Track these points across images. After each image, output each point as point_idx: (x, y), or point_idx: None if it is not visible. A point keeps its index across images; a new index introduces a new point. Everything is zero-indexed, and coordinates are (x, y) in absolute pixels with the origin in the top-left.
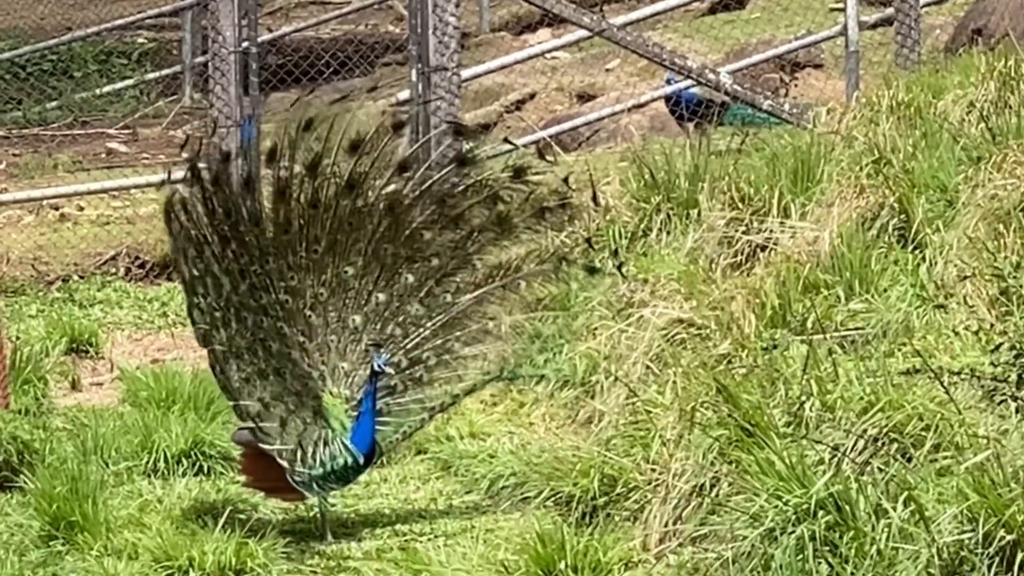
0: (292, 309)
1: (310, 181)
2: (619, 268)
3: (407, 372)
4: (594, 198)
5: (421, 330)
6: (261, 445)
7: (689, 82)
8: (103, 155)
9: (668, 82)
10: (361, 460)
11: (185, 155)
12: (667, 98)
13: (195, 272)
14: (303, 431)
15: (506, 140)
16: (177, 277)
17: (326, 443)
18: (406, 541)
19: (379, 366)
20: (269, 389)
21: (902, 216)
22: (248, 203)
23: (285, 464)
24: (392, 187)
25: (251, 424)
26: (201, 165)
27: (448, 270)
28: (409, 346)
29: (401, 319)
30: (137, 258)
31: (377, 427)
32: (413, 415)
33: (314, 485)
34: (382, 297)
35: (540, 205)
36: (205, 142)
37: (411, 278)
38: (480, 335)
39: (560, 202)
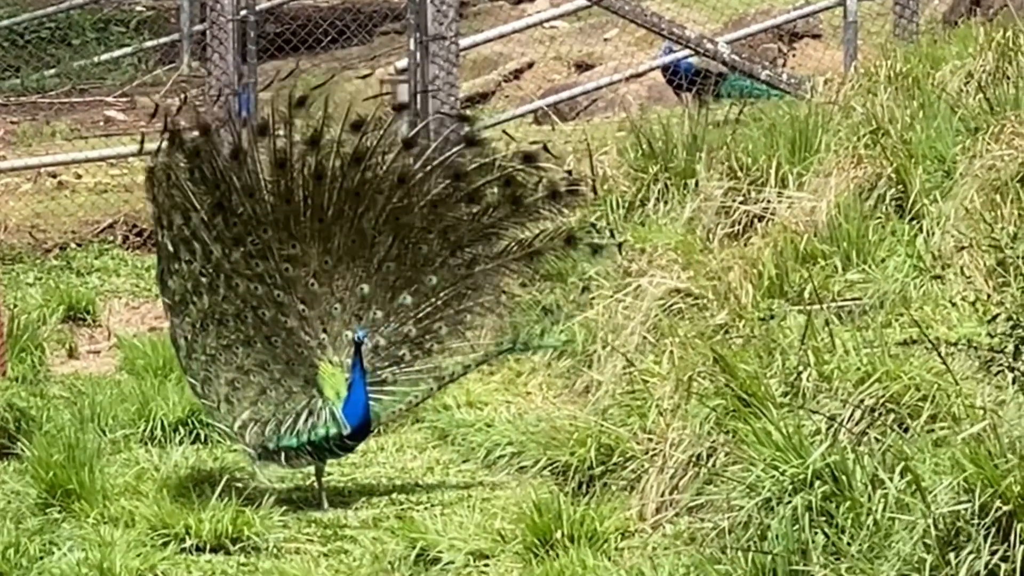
0: (292, 277)
1: (312, 154)
2: (619, 247)
3: (417, 342)
4: (593, 187)
5: (434, 300)
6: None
7: (687, 52)
8: (101, 123)
9: (666, 52)
10: (347, 431)
11: (159, 124)
12: (664, 68)
13: (181, 235)
14: (285, 400)
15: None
16: (155, 241)
17: (311, 412)
18: (403, 510)
19: (358, 337)
20: (254, 357)
21: (899, 187)
22: (242, 172)
23: (234, 436)
24: (400, 162)
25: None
26: (189, 134)
27: (464, 243)
28: (420, 316)
29: (413, 289)
30: (134, 226)
31: (381, 397)
32: (421, 385)
33: (283, 456)
34: (393, 267)
35: (553, 188)
36: (195, 110)
37: (425, 249)
38: (492, 307)
39: (571, 186)
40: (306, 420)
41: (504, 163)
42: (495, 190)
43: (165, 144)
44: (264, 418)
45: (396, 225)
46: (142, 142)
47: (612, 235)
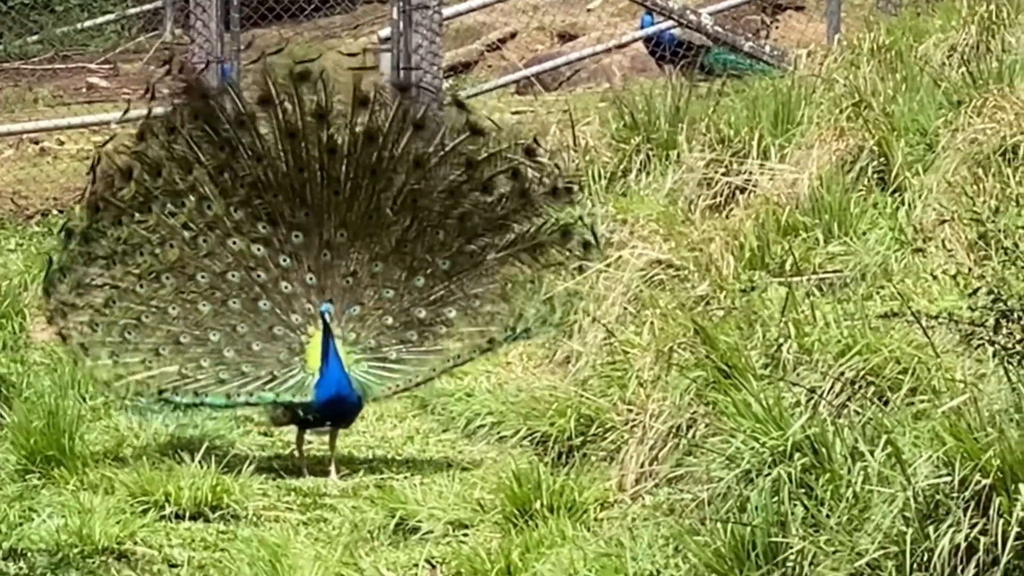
0: (301, 244)
1: (323, 127)
2: (594, 238)
3: (427, 325)
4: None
5: (447, 284)
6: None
7: (669, 23)
8: (84, 90)
9: (646, 23)
10: (312, 402)
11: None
12: (647, 39)
13: (169, 188)
14: (255, 360)
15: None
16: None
17: (284, 377)
18: (382, 479)
19: (322, 311)
20: (225, 316)
21: (882, 159)
22: (249, 136)
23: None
24: (415, 145)
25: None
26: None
27: (478, 231)
28: (431, 299)
29: (428, 272)
30: None
31: (383, 373)
32: (426, 366)
33: (268, 410)
34: (408, 248)
35: (554, 184)
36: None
37: (441, 234)
38: (500, 295)
39: (568, 183)
40: (277, 382)
41: (511, 155)
42: (505, 181)
43: (179, 96)
44: (208, 373)
45: (414, 208)
46: (128, 109)
47: (595, 236)
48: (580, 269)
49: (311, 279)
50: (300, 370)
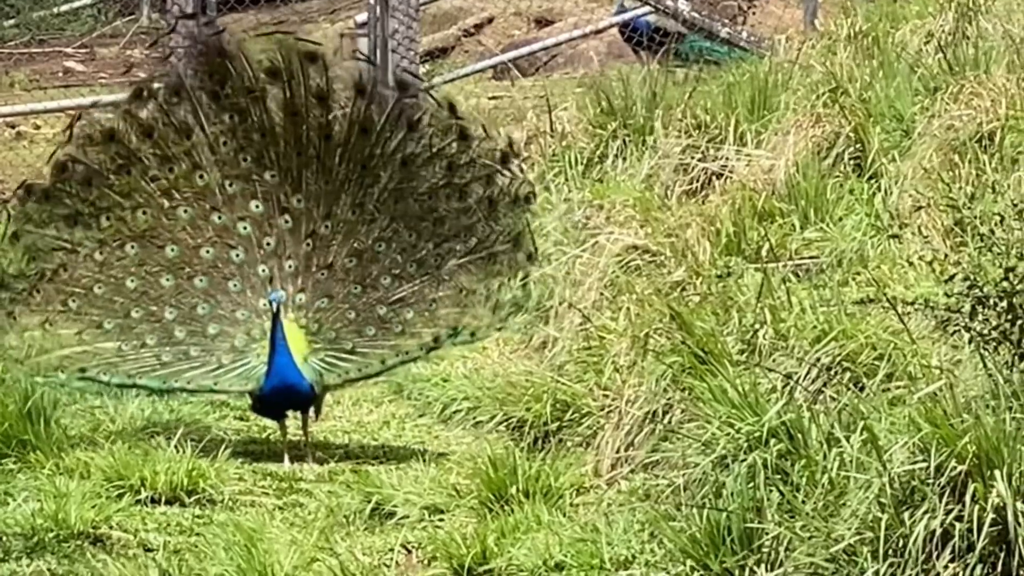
0: (286, 230)
1: (323, 111)
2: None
3: (386, 322)
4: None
5: (410, 286)
6: None
7: (645, 9)
8: (60, 74)
9: (620, 8)
10: (258, 390)
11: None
12: (624, 25)
13: (160, 152)
14: (208, 341)
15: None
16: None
17: (233, 363)
18: (358, 463)
19: (271, 300)
20: (188, 291)
21: (858, 145)
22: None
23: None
24: (407, 144)
25: None
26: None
27: (448, 236)
28: (394, 299)
29: (397, 273)
30: None
31: (338, 363)
32: (377, 359)
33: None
34: (383, 248)
35: (516, 195)
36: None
37: (414, 236)
38: (458, 300)
39: (529, 191)
40: (224, 369)
41: (488, 161)
42: (479, 189)
43: (194, 59)
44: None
45: (395, 207)
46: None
47: (535, 247)
48: (524, 281)
49: (291, 266)
50: (254, 357)
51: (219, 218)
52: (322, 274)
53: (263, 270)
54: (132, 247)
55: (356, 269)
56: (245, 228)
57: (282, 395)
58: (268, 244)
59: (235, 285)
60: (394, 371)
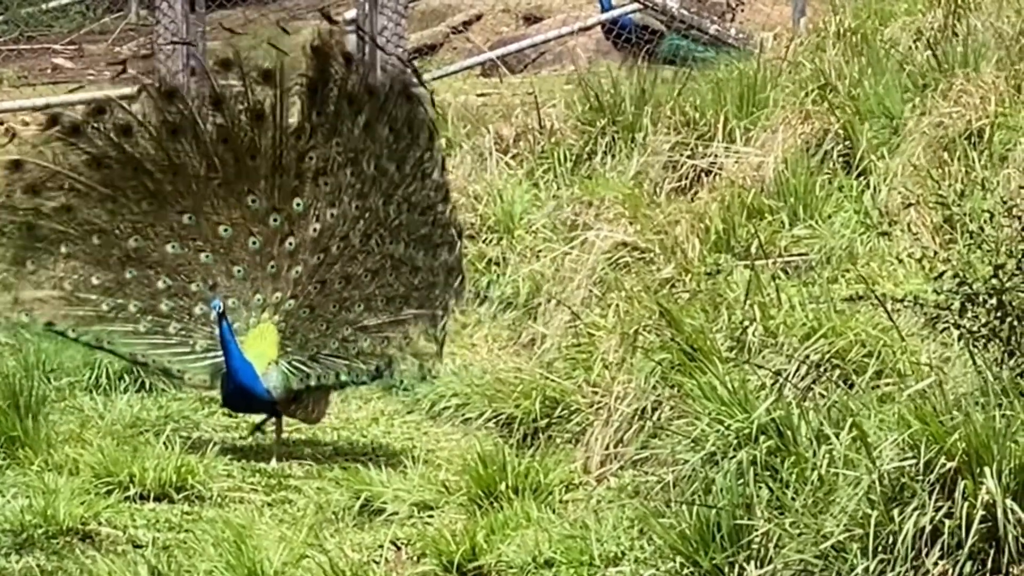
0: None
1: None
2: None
3: (344, 343)
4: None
5: (376, 318)
6: None
7: (631, 6)
8: (48, 71)
9: (606, 6)
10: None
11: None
12: (612, 22)
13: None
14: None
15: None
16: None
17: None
18: (347, 460)
19: (213, 307)
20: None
21: (847, 143)
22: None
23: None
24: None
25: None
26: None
27: (416, 285)
28: (359, 325)
29: (369, 304)
30: None
31: (303, 367)
32: (333, 373)
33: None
34: (367, 278)
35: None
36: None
37: (393, 276)
38: (400, 345)
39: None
40: (197, 356)
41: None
42: (446, 253)
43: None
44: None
45: (389, 247)
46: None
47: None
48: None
49: (273, 267)
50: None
51: (209, 216)
52: (315, 287)
53: (238, 271)
54: (148, 204)
55: (343, 291)
56: (226, 231)
57: (239, 397)
58: (252, 243)
59: (239, 271)
60: (345, 388)
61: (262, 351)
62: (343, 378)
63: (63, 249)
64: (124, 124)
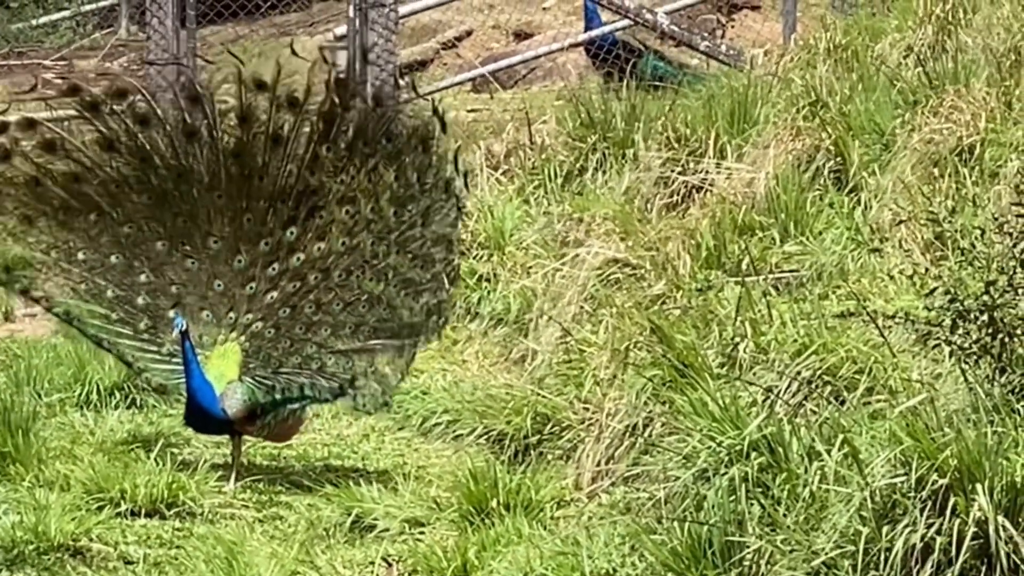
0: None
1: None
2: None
3: (309, 358)
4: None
5: (342, 344)
6: None
7: (611, 26)
8: (39, 87)
9: (594, 22)
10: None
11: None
12: (601, 38)
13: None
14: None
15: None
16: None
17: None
18: (338, 477)
19: (176, 324)
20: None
21: (838, 159)
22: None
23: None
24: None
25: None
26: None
27: (391, 321)
28: (330, 348)
29: (339, 331)
30: None
31: (266, 382)
32: (297, 387)
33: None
34: (339, 307)
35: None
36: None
37: (366, 309)
38: (366, 372)
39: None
40: (162, 359)
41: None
42: (429, 296)
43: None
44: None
45: (369, 284)
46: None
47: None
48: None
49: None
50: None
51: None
52: (285, 311)
53: (218, 285)
54: (148, 198)
55: (312, 315)
56: (217, 244)
57: (199, 416)
58: (238, 261)
59: (219, 286)
60: (308, 404)
61: (222, 372)
62: (307, 392)
63: (60, 216)
64: (143, 114)
